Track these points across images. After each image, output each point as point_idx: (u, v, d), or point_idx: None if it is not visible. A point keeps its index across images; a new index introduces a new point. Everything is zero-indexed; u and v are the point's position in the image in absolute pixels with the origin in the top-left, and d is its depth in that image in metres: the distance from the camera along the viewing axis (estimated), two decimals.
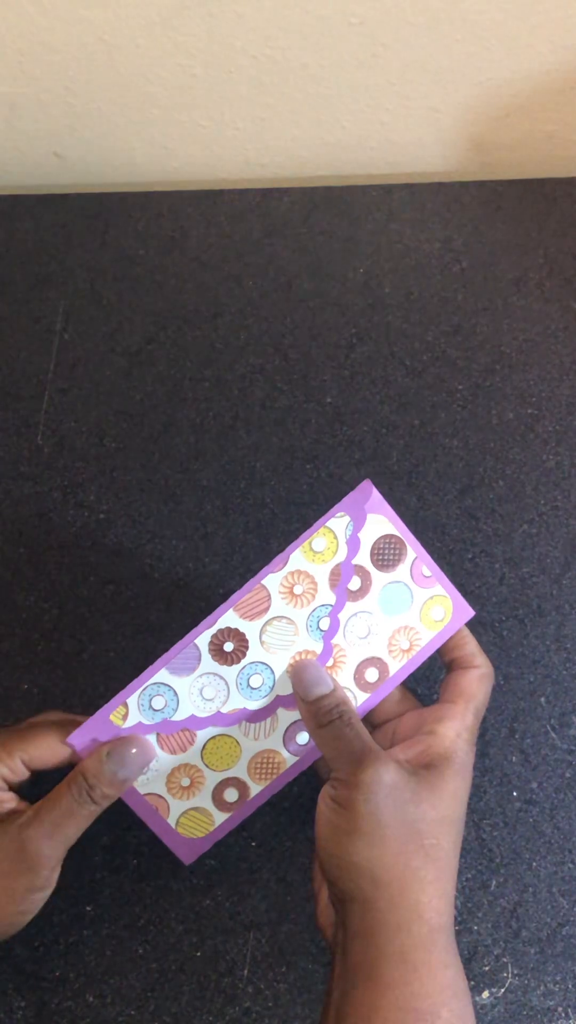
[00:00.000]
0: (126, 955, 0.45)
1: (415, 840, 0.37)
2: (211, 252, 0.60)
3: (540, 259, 0.61)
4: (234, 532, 0.53)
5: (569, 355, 0.58)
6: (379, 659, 0.44)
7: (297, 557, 0.42)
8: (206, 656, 0.42)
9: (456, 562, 0.52)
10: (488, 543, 0.53)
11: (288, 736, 0.43)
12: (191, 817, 0.42)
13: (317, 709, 0.41)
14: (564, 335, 0.58)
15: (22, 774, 0.41)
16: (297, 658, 0.43)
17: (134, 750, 0.40)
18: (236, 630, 0.42)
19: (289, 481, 0.54)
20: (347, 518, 0.43)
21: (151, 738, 0.41)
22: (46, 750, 0.40)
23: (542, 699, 0.50)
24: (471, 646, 0.44)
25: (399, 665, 0.44)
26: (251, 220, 0.61)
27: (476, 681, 0.42)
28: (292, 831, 0.47)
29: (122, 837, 0.47)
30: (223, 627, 0.42)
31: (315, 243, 0.61)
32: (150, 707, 0.41)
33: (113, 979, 0.45)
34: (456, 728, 0.41)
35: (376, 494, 0.43)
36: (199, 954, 0.45)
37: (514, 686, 0.50)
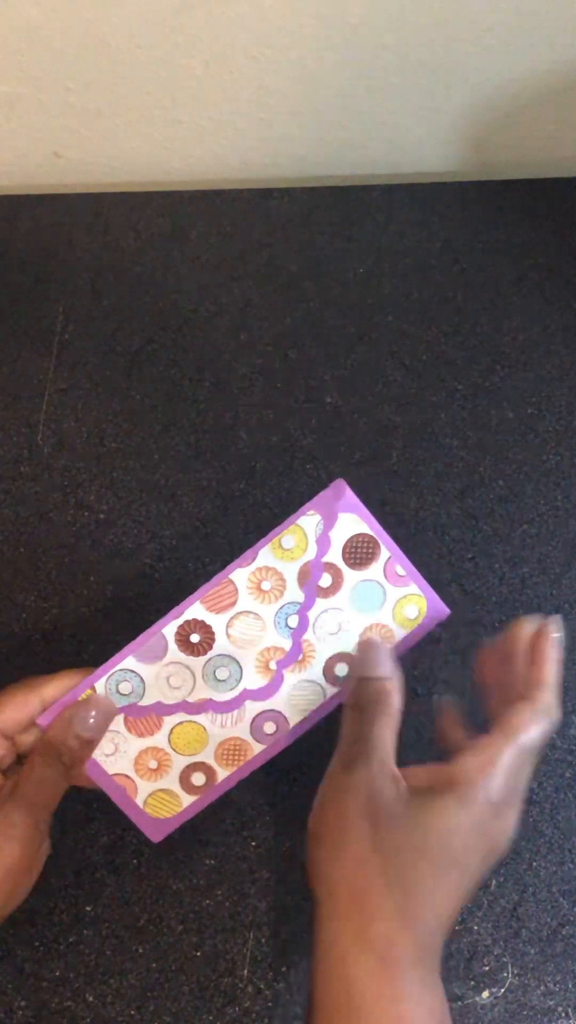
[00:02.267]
0: (126, 955, 0.45)
1: (377, 862, 0.35)
2: (211, 252, 0.60)
3: (540, 259, 0.61)
4: (234, 532, 0.53)
5: (569, 355, 0.58)
6: (349, 655, 0.44)
7: (266, 553, 0.43)
8: (172, 646, 0.42)
9: (456, 562, 0.52)
10: (488, 543, 0.53)
11: (255, 726, 0.43)
12: (158, 798, 0.43)
13: (361, 687, 0.40)
14: (564, 335, 0.58)
15: (0, 745, 0.41)
16: (267, 655, 0.43)
17: (93, 710, 0.41)
18: (202, 622, 0.42)
19: (289, 481, 0.54)
20: (318, 516, 0.43)
21: (119, 718, 0.42)
22: (14, 710, 0.41)
23: None
24: (536, 676, 0.40)
25: None
26: (251, 220, 0.61)
27: (522, 714, 0.38)
28: (292, 831, 0.47)
29: (122, 837, 0.47)
30: (189, 618, 0.42)
31: (315, 243, 0.61)
32: (117, 691, 0.42)
33: (113, 979, 0.45)
34: (479, 761, 0.36)
35: (349, 493, 0.43)
36: (199, 954, 0.45)
37: None
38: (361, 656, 0.41)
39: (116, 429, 0.55)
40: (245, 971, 0.45)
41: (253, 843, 0.47)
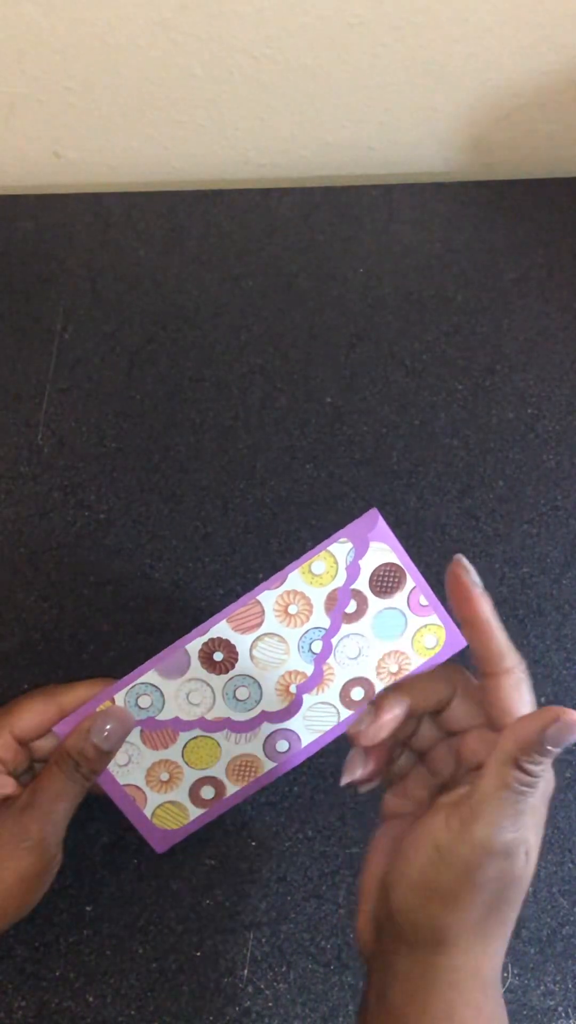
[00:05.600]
0: (126, 955, 0.45)
1: (498, 914, 0.34)
2: (211, 252, 0.60)
3: (540, 259, 0.61)
4: (234, 532, 0.53)
5: (569, 355, 0.58)
6: (366, 679, 0.44)
7: (295, 577, 0.43)
8: (195, 662, 0.42)
9: None
10: (488, 543, 0.53)
11: (268, 743, 0.43)
12: (166, 810, 0.43)
13: (536, 742, 0.32)
14: (564, 335, 0.58)
15: (16, 751, 0.41)
16: (288, 679, 0.43)
17: (112, 722, 0.41)
18: (227, 641, 0.42)
19: (289, 481, 0.54)
20: (349, 544, 0.43)
21: (135, 731, 0.42)
22: (33, 716, 0.41)
23: (542, 699, 0.50)
24: (495, 641, 0.36)
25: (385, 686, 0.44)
26: (251, 220, 0.61)
27: (514, 692, 0.35)
28: (292, 831, 0.47)
29: (122, 837, 0.47)
30: (215, 636, 0.42)
31: (315, 243, 0.61)
32: (136, 705, 0.42)
33: (113, 979, 0.45)
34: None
35: (381, 523, 0.43)
36: (199, 954, 0.45)
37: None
38: (555, 728, 0.33)
39: (116, 429, 0.55)
40: (245, 971, 0.45)
41: (253, 843, 0.47)
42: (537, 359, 0.57)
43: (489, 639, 0.36)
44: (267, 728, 0.43)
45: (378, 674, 0.44)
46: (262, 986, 0.45)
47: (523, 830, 0.33)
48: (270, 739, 0.43)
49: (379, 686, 0.44)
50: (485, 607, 0.36)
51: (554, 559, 0.53)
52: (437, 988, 0.34)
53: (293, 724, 0.44)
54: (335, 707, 0.44)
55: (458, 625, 0.37)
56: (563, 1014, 0.44)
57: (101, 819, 0.47)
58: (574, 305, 0.59)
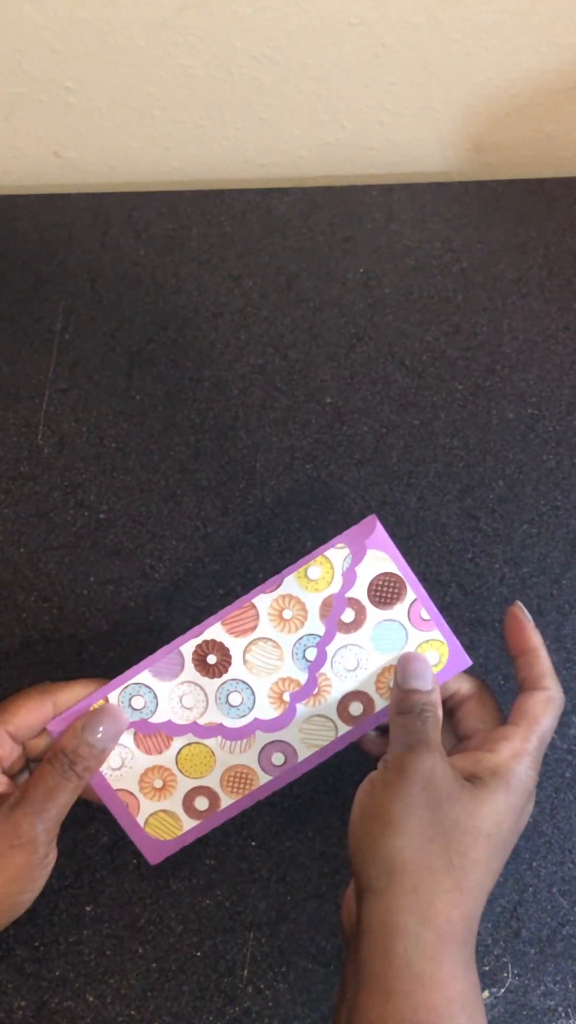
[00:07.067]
0: (126, 955, 0.45)
1: (440, 842, 0.37)
2: (211, 252, 0.60)
3: (540, 259, 0.61)
4: (234, 532, 0.53)
5: (569, 355, 0.58)
6: (365, 693, 0.43)
7: (290, 582, 0.42)
8: (189, 664, 0.42)
9: (456, 562, 0.52)
10: (488, 543, 0.53)
11: (263, 756, 0.43)
12: (160, 819, 0.43)
13: (404, 698, 0.41)
14: (564, 335, 0.58)
15: (11, 749, 0.41)
16: (281, 686, 0.43)
17: (106, 721, 0.41)
18: (221, 644, 0.42)
19: (289, 481, 0.54)
20: (346, 550, 0.43)
21: (128, 734, 0.42)
22: (28, 714, 0.41)
23: None
24: (541, 666, 0.42)
25: (385, 703, 0.43)
26: (251, 220, 0.61)
27: (541, 704, 0.41)
28: (292, 831, 0.47)
29: (122, 837, 0.47)
30: (208, 639, 0.42)
31: (315, 243, 0.61)
32: (130, 705, 0.42)
33: (113, 979, 0.45)
34: (513, 749, 0.40)
35: (380, 530, 0.43)
36: (199, 954, 0.45)
37: (514, 686, 0.50)
38: (404, 669, 0.42)
39: (116, 429, 0.55)
40: (245, 971, 0.45)
41: (253, 843, 0.47)
42: (537, 359, 0.57)
43: (535, 661, 0.42)
44: (261, 738, 0.43)
45: (378, 689, 0.43)
46: (262, 986, 0.45)
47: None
48: (265, 751, 0.43)
49: (379, 702, 0.43)
50: (535, 637, 0.43)
51: (554, 559, 0.53)
52: (394, 933, 0.35)
53: (289, 736, 0.43)
54: (332, 721, 0.43)
55: (513, 659, 0.43)
56: (563, 1014, 0.44)
57: (101, 819, 0.47)
58: (574, 305, 0.59)
